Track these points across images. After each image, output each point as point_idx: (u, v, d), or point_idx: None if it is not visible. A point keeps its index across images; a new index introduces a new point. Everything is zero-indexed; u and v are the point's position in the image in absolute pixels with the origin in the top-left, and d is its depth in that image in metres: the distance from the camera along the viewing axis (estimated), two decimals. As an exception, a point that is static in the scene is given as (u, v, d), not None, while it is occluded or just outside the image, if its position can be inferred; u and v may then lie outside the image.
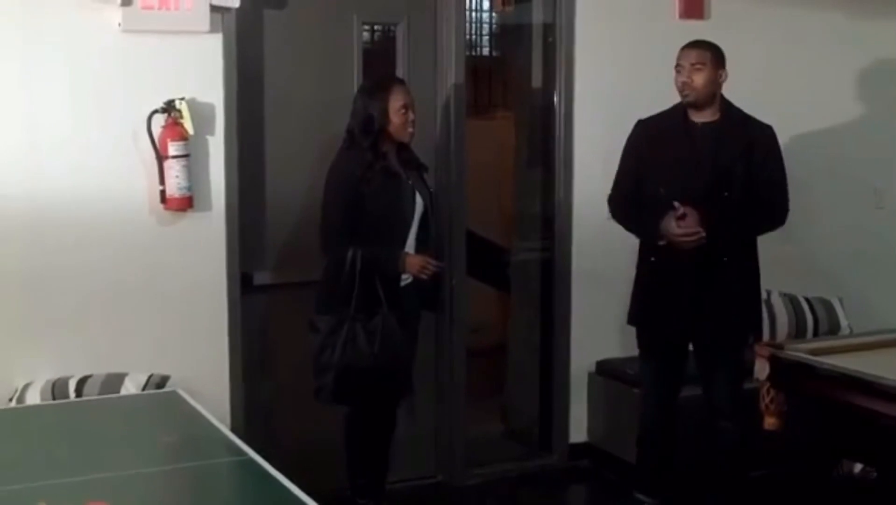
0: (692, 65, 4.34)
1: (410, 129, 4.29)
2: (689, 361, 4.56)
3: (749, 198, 4.35)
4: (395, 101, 4.23)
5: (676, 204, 4.24)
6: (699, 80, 4.33)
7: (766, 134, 4.44)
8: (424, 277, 4.27)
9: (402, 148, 4.33)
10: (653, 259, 4.40)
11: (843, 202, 5.79)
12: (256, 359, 4.65)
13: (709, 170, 4.32)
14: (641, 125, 4.55)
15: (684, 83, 4.36)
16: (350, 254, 4.15)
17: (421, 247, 4.33)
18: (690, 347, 4.54)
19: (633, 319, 4.60)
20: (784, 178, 4.45)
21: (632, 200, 4.50)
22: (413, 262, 4.25)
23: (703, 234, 4.24)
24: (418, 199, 4.31)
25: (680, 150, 4.38)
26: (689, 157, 4.35)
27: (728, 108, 4.44)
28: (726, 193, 4.31)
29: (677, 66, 4.38)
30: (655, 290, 4.44)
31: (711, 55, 4.36)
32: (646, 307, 4.51)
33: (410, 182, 4.31)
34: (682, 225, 4.25)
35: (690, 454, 4.59)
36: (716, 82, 4.37)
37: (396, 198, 4.25)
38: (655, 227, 4.33)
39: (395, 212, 4.26)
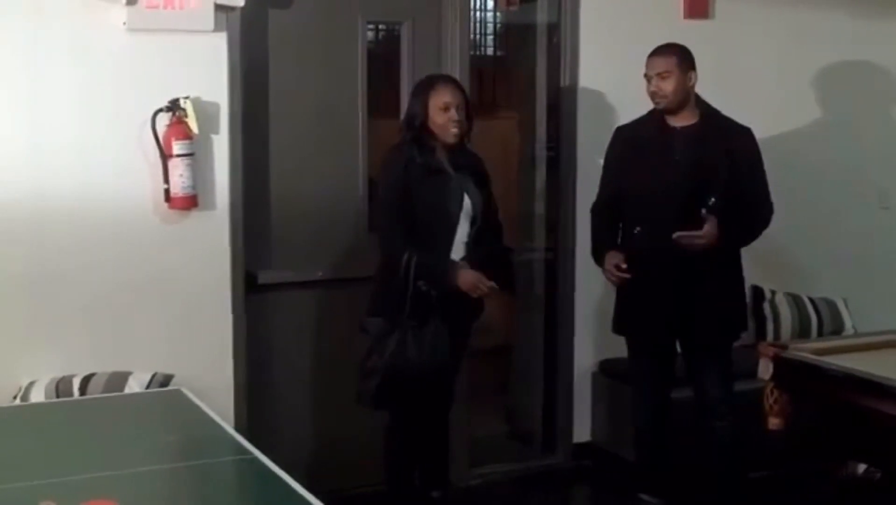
0: (658, 74, 4.35)
1: (454, 130, 4.18)
2: (681, 362, 4.57)
3: (735, 203, 4.34)
4: (436, 100, 4.17)
5: (675, 235, 4.25)
6: (668, 87, 4.35)
7: (745, 136, 4.44)
8: (474, 295, 4.19)
9: (458, 150, 4.25)
10: (637, 230, 4.40)
11: (848, 202, 5.79)
12: (261, 358, 4.65)
13: (691, 174, 4.33)
14: (620, 132, 4.59)
15: (654, 92, 4.38)
16: (405, 257, 4.07)
17: (470, 253, 4.24)
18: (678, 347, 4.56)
19: (617, 326, 4.62)
20: (765, 179, 4.46)
21: (607, 213, 4.54)
22: (466, 278, 4.13)
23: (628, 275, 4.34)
24: (466, 201, 4.22)
25: (660, 156, 4.39)
26: (670, 163, 4.36)
27: (706, 110, 4.44)
28: (712, 200, 4.31)
29: (645, 74, 4.40)
30: (637, 291, 4.43)
31: (677, 61, 4.35)
32: (629, 310, 4.51)
33: (459, 182, 4.21)
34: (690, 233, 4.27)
35: (687, 455, 4.59)
36: (685, 86, 4.37)
37: (440, 195, 4.17)
38: (601, 253, 4.48)
39: (438, 210, 4.17)
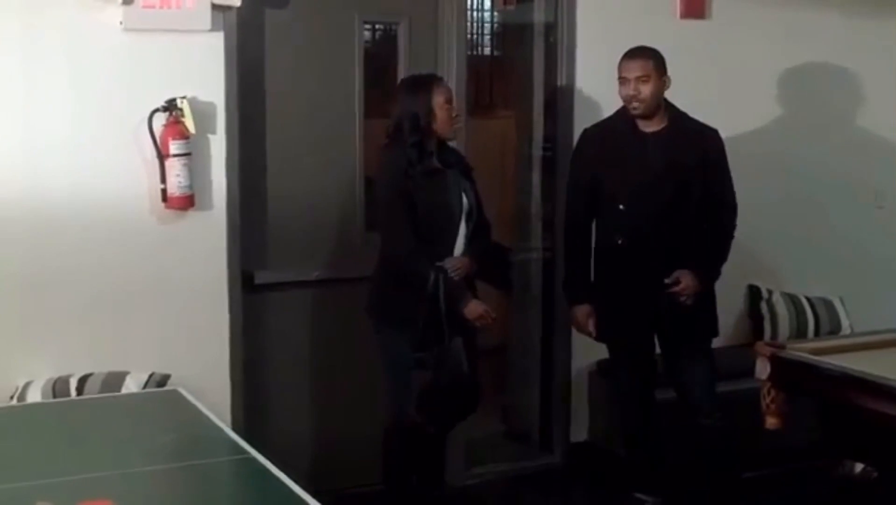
0: (637, 77, 4.31)
1: (457, 125, 4.27)
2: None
3: (707, 211, 4.38)
4: (439, 96, 4.19)
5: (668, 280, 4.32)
6: (646, 91, 4.31)
7: (714, 138, 4.44)
8: (478, 325, 4.22)
9: (444, 147, 4.27)
10: (619, 242, 4.40)
11: (844, 202, 5.79)
12: (257, 358, 4.65)
13: (668, 181, 4.32)
14: (589, 136, 4.55)
15: (632, 96, 4.33)
16: (433, 279, 4.09)
17: (468, 250, 4.26)
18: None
19: (598, 333, 4.61)
20: (731, 180, 4.46)
21: (581, 233, 4.54)
22: (474, 309, 4.18)
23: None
24: (464, 199, 4.25)
25: (634, 163, 4.36)
26: (647, 170, 4.34)
27: (675, 114, 4.41)
28: (692, 207, 4.33)
29: (621, 77, 4.36)
30: (616, 298, 4.44)
31: (654, 64, 4.33)
32: (608, 316, 4.50)
33: (455, 180, 4.24)
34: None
35: (679, 455, 4.59)
36: (662, 91, 4.35)
37: (442, 194, 4.18)
38: (575, 300, 4.52)
39: (441, 209, 4.19)
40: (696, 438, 4.49)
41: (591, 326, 4.49)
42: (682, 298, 4.33)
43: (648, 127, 4.38)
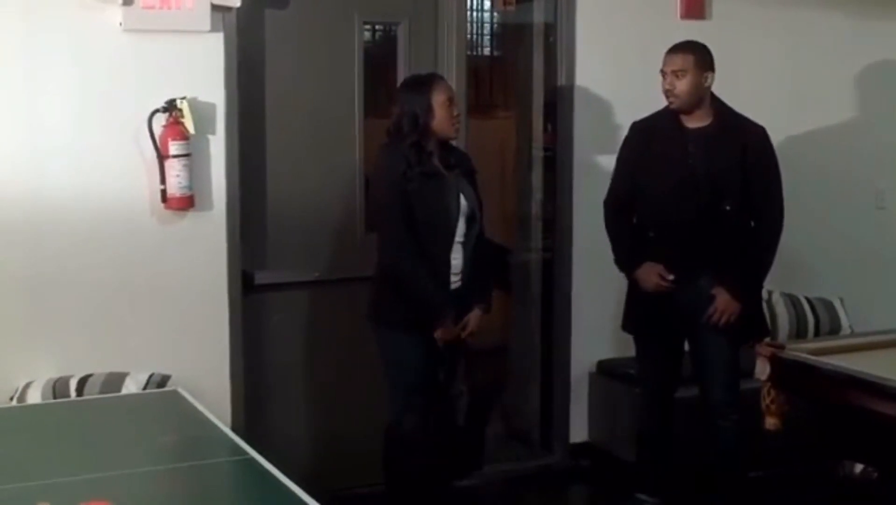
0: (674, 71, 4.29)
1: (457, 125, 4.22)
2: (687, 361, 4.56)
3: (747, 212, 4.34)
4: (439, 96, 4.14)
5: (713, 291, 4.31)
6: (682, 86, 4.28)
7: (758, 135, 4.39)
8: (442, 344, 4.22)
9: (448, 149, 4.24)
10: (651, 235, 4.39)
11: (845, 202, 5.79)
12: (257, 358, 4.65)
13: (705, 179, 4.29)
14: (636, 128, 4.53)
15: (667, 90, 4.32)
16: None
17: (467, 257, 4.23)
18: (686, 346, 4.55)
19: (627, 326, 4.61)
20: (779, 182, 4.42)
21: (623, 214, 4.48)
22: (446, 333, 4.18)
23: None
24: (462, 201, 4.20)
25: (674, 158, 4.34)
26: (684, 167, 4.31)
27: (721, 110, 4.38)
28: (727, 207, 4.30)
29: (661, 71, 4.34)
30: (647, 293, 4.42)
31: (695, 59, 4.29)
32: (641, 310, 4.49)
33: (454, 182, 4.19)
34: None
35: (689, 454, 4.59)
36: (701, 87, 4.31)
37: (439, 197, 4.14)
38: (632, 265, 4.41)
39: (438, 212, 4.14)
40: (711, 438, 4.47)
41: (661, 274, 4.34)
42: (717, 318, 4.31)
43: (691, 122, 4.35)
